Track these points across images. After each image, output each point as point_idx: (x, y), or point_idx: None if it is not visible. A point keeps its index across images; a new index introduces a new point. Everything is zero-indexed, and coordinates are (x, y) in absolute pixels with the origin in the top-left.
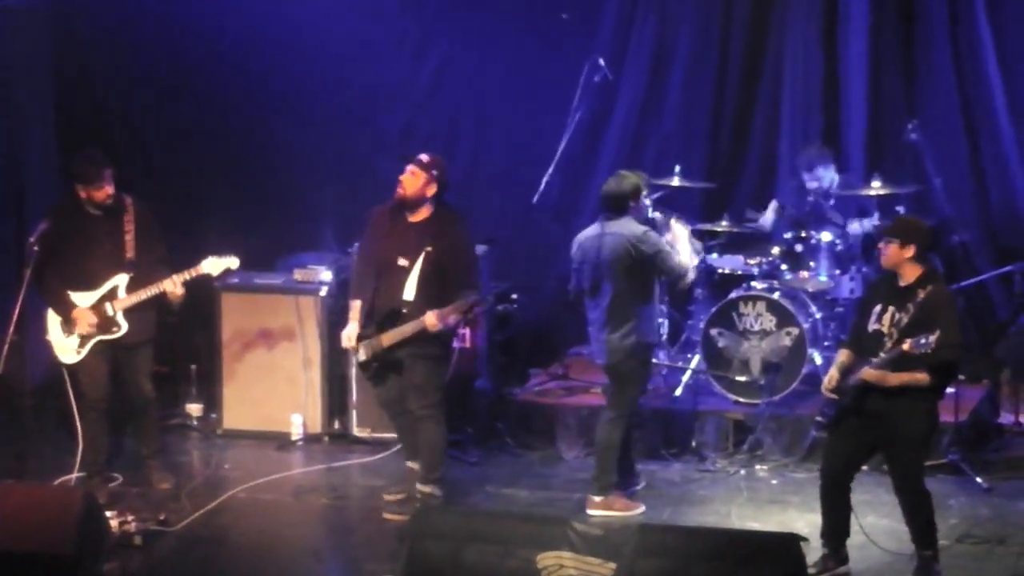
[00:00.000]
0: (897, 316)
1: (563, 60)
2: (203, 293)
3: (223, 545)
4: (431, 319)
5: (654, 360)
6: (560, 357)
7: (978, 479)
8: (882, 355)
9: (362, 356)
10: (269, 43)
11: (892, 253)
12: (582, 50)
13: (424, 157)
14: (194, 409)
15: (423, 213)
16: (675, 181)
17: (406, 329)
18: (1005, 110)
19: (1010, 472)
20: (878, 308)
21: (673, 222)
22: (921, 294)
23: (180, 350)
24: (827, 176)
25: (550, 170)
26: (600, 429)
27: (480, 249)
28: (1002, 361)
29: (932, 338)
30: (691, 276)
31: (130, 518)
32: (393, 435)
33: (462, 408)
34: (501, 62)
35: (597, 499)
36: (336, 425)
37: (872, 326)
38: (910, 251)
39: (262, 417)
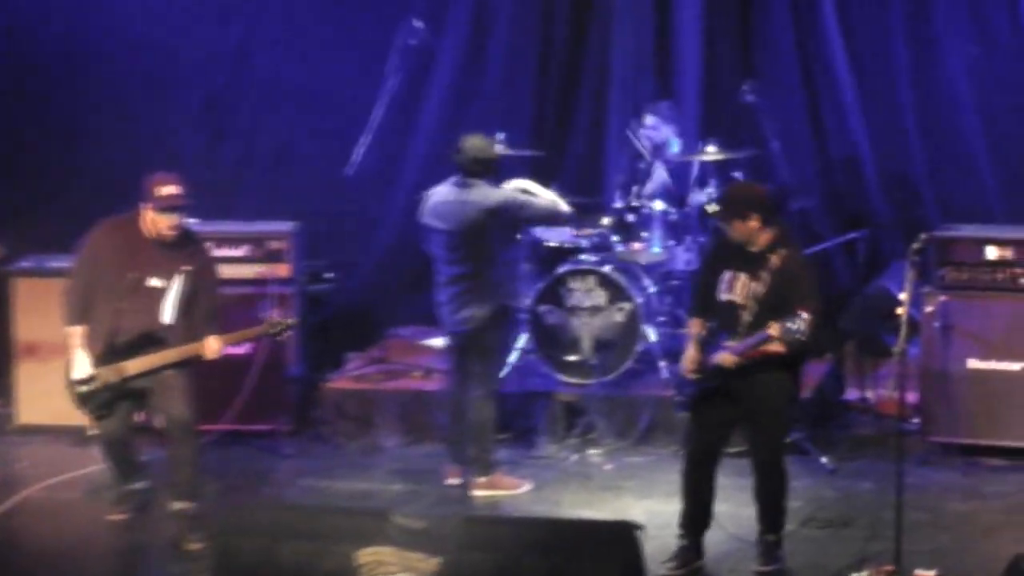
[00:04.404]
0: (752, 286)
1: (378, 23)
2: None
3: (17, 549)
4: (216, 345)
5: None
6: (378, 339)
7: (822, 459)
8: (745, 339)
9: (86, 387)
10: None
11: (738, 230)
12: (398, 12)
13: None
14: None
15: None
16: (499, 149)
17: (169, 355)
18: (846, 70)
19: (856, 451)
20: (727, 275)
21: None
22: (775, 260)
23: None
24: (665, 131)
25: (364, 139)
26: (471, 409)
27: (290, 226)
28: (846, 333)
29: (802, 324)
30: (565, 207)
31: None
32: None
33: (273, 397)
34: (312, 26)
35: (481, 480)
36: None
37: (723, 295)
38: (755, 221)
39: (59, 411)
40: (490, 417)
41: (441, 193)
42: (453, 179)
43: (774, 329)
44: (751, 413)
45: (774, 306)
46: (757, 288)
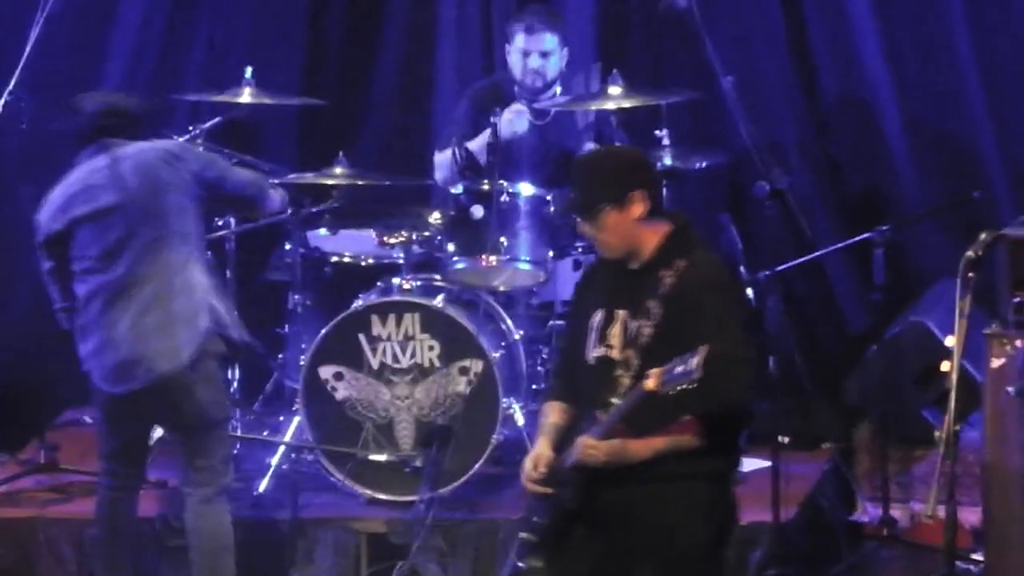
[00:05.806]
0: (633, 326)
1: None
2: None
3: None
4: None
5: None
6: (42, 429)
7: None
8: (614, 406)
9: None
10: None
11: (612, 227)
12: None
13: None
14: None
15: None
16: (245, 96)
17: None
18: None
19: None
20: (597, 319)
21: None
22: (667, 278)
23: None
24: (554, 61)
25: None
26: (196, 518)
27: None
28: (857, 409)
29: (695, 361)
30: (278, 198)
31: None
32: None
33: None
34: None
35: None
36: None
37: (593, 352)
38: (638, 208)
39: None
40: (228, 532)
41: (77, 175)
42: (85, 152)
43: (652, 379)
44: (645, 556)
45: (668, 355)
46: (642, 329)
